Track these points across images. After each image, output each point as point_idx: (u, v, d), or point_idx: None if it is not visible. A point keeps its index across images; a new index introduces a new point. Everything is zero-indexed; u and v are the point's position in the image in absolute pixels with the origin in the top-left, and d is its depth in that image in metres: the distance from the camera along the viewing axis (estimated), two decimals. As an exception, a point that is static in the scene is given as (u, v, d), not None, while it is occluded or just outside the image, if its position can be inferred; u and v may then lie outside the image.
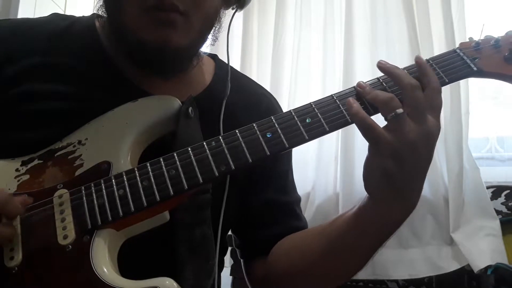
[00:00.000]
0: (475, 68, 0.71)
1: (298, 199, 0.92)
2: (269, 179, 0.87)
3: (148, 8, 0.67)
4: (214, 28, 0.78)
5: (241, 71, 0.99)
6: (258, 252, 0.85)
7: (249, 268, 0.88)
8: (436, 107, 0.63)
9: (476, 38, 0.76)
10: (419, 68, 0.67)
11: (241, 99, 0.85)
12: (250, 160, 0.62)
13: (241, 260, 0.90)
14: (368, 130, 0.61)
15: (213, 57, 0.91)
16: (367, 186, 0.65)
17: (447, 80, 0.70)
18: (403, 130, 0.60)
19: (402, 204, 0.64)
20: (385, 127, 0.62)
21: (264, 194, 0.86)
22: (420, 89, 0.62)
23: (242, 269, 0.90)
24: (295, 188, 0.93)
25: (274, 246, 0.83)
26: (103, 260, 0.58)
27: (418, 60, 0.68)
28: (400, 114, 0.60)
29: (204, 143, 0.64)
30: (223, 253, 0.86)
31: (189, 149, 0.63)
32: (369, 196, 0.66)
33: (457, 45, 1.81)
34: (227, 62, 0.87)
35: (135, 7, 0.68)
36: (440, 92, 0.64)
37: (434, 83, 0.64)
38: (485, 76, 0.73)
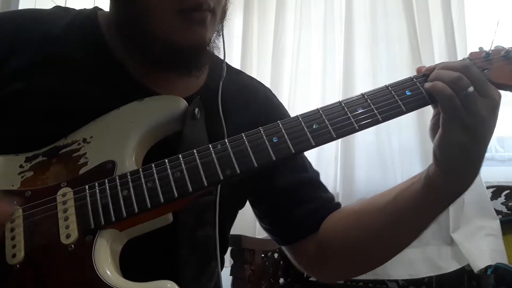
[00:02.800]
0: None
1: (318, 172, 0.94)
2: (288, 163, 0.87)
3: (183, 10, 0.67)
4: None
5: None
6: (305, 231, 0.84)
7: (297, 250, 0.87)
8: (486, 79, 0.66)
9: (485, 47, 0.74)
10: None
11: (238, 92, 0.85)
12: (256, 165, 0.62)
13: (284, 247, 0.90)
14: (449, 101, 0.64)
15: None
16: (441, 161, 0.68)
17: None
18: (476, 107, 0.63)
19: (472, 171, 0.68)
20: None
21: (287, 178, 0.86)
22: (473, 66, 0.65)
23: (288, 254, 0.90)
24: (310, 163, 0.94)
25: (320, 221, 0.84)
26: (105, 260, 0.58)
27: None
28: (472, 92, 0.63)
29: (210, 146, 0.63)
30: (223, 252, 0.86)
31: (195, 151, 0.63)
32: (437, 168, 0.69)
33: (457, 45, 1.80)
34: (222, 50, 0.86)
35: (168, 10, 0.67)
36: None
37: (464, 61, 0.68)
38: (495, 87, 0.71)
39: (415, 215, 0.73)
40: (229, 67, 0.90)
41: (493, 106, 0.64)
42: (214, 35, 0.77)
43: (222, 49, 0.83)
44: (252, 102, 0.86)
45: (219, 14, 0.73)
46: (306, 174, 0.90)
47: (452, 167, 0.67)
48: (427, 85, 0.66)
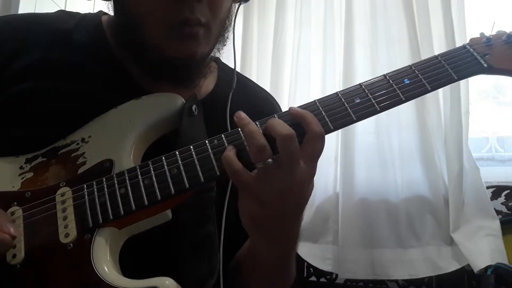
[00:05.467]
0: (485, 65, 0.68)
1: None
2: None
3: (173, 25, 0.68)
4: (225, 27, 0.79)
5: (241, 71, 0.99)
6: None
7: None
8: (314, 154, 0.60)
9: (487, 33, 0.73)
10: (294, 118, 0.62)
11: (246, 102, 0.85)
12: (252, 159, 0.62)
13: None
14: (234, 175, 0.59)
15: (215, 60, 0.91)
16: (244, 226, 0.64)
17: (456, 77, 0.67)
18: (270, 179, 0.57)
19: (277, 245, 0.64)
20: (254, 173, 0.60)
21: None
22: (293, 139, 0.57)
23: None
24: None
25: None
26: (104, 258, 0.59)
27: (292, 111, 0.63)
28: (269, 164, 0.57)
29: (207, 142, 0.63)
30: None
31: (191, 147, 0.63)
32: None
33: (457, 45, 1.81)
34: (233, 59, 0.86)
35: (159, 25, 0.68)
36: (321, 138, 0.60)
37: (313, 130, 0.59)
38: (496, 73, 0.70)
39: (248, 268, 0.72)
40: (240, 75, 0.90)
41: (296, 183, 0.58)
42: (218, 45, 0.77)
43: (233, 59, 0.84)
44: (258, 112, 0.86)
45: (216, 27, 0.72)
46: None
47: (251, 235, 0.65)
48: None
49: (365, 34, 1.96)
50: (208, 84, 0.83)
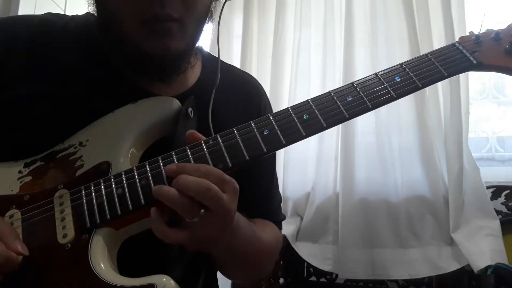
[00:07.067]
0: (474, 61, 0.70)
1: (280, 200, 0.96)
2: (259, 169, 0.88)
3: (145, 20, 0.68)
4: (206, 23, 0.79)
5: (241, 71, 0.99)
6: None
7: None
8: (232, 187, 0.60)
9: (477, 32, 0.75)
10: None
11: (231, 88, 0.86)
12: (247, 158, 0.63)
13: None
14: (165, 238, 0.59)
15: (199, 49, 0.91)
16: None
17: (446, 74, 0.69)
18: (205, 224, 0.59)
19: (217, 249, 0.68)
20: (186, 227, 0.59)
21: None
22: (209, 189, 0.57)
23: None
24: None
25: None
26: (101, 258, 0.59)
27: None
28: (202, 215, 0.58)
29: (202, 142, 0.64)
30: None
31: (187, 148, 0.64)
32: None
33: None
34: (217, 53, 0.87)
35: (132, 20, 0.69)
36: (221, 177, 0.59)
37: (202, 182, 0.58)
38: (485, 69, 0.72)
39: None
40: (223, 63, 0.90)
41: (222, 219, 0.60)
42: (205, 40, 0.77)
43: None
44: (246, 97, 0.87)
45: (192, 23, 0.72)
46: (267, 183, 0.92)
47: None
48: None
49: (365, 34, 1.97)
50: (193, 74, 0.83)
